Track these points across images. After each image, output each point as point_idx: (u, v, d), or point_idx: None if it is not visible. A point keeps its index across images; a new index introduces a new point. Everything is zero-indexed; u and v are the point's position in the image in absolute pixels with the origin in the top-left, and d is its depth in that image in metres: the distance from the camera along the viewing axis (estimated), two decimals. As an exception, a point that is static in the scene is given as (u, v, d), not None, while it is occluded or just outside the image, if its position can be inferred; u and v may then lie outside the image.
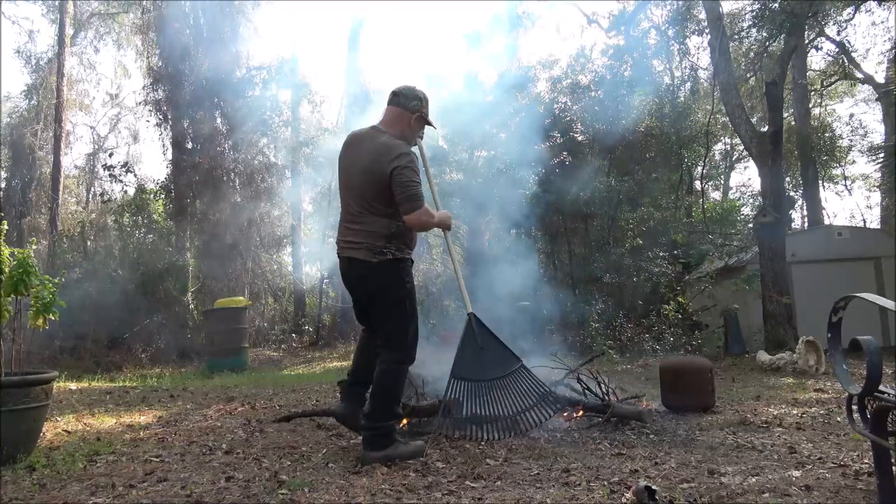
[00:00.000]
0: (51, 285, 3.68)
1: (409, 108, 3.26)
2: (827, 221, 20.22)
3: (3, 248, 3.42)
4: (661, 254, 11.64)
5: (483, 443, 3.36)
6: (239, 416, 4.70)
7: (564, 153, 12.21)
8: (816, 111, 21.65)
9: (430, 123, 3.40)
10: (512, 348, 3.53)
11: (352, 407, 3.44)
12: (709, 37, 11.46)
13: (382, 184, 3.06)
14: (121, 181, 14.33)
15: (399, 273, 3.16)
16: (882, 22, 17.46)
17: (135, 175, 14.45)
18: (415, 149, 3.36)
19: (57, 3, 18.96)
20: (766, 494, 2.48)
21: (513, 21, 14.93)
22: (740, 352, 9.49)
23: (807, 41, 15.10)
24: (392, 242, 3.11)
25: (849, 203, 52.38)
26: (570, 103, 12.50)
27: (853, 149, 22.23)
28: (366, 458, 3.04)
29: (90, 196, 22.63)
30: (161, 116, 13.61)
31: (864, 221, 24.50)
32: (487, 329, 3.38)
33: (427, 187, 3.41)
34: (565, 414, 4.10)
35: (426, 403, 3.75)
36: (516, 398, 3.33)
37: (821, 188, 21.37)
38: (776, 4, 11.08)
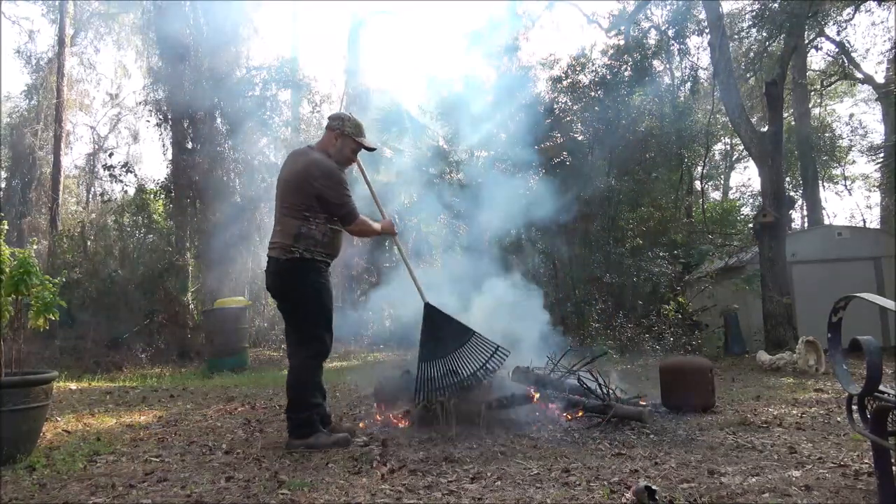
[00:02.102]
0: (51, 285, 3.68)
1: (332, 128, 3.69)
2: (827, 221, 20.23)
3: (3, 248, 3.42)
4: (661, 254, 11.63)
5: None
6: (239, 416, 4.71)
7: (564, 153, 12.20)
8: (816, 111, 21.65)
9: (357, 142, 3.71)
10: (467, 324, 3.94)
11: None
12: (709, 37, 11.45)
13: (301, 191, 3.46)
14: (121, 181, 14.31)
15: (304, 272, 3.47)
16: (882, 22, 17.49)
17: (135, 175, 14.43)
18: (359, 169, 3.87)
19: (57, 3, 18.95)
20: (766, 494, 2.48)
21: (513, 21, 14.91)
22: (740, 352, 9.48)
23: (807, 41, 15.10)
24: (300, 243, 3.45)
25: (849, 203, 52.45)
26: (570, 103, 12.48)
27: (853, 149, 22.26)
28: (289, 445, 3.40)
29: (90, 196, 22.63)
30: (161, 116, 13.58)
31: (864, 221, 24.55)
32: (442, 312, 3.84)
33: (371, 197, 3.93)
34: (567, 415, 4.11)
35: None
36: (474, 358, 3.81)
37: (821, 188, 21.39)
38: (776, 4, 11.09)
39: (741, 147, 18.24)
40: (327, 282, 3.62)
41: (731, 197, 23.79)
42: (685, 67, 16.26)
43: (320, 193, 3.43)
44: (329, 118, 3.78)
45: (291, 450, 3.35)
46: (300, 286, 3.48)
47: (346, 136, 3.66)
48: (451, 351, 3.78)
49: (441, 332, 3.81)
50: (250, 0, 15.16)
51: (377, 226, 3.79)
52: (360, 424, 4.11)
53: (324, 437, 3.44)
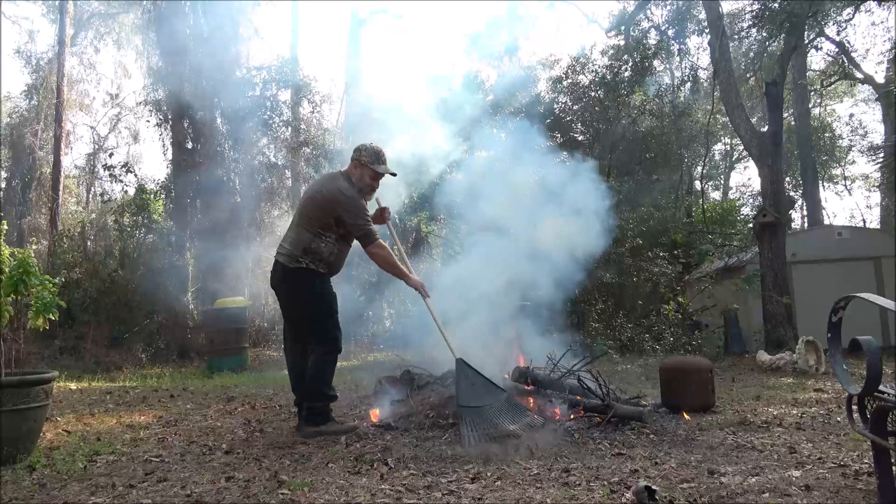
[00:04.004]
0: (51, 285, 3.68)
1: (353, 158, 4.01)
2: (827, 221, 20.24)
3: (3, 248, 3.42)
4: (661, 254, 11.63)
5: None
6: (239, 416, 4.71)
7: (564, 153, 12.18)
8: (816, 111, 21.66)
9: (373, 171, 3.94)
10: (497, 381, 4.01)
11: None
12: (709, 37, 11.45)
13: (324, 212, 3.78)
14: (121, 181, 14.27)
15: (307, 281, 3.80)
16: (882, 22, 17.50)
17: (135, 175, 14.39)
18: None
19: (57, 3, 18.95)
20: (766, 494, 2.48)
21: (513, 21, 14.93)
22: (740, 352, 9.48)
23: (807, 41, 15.09)
24: (307, 255, 3.78)
25: (849, 203, 52.48)
26: (570, 103, 12.49)
27: (853, 149, 22.28)
28: (302, 432, 3.74)
29: (90, 196, 22.62)
30: (161, 116, 13.58)
31: (864, 221, 24.56)
32: (474, 369, 3.85)
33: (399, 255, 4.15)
34: (571, 417, 4.11)
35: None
36: (506, 418, 3.74)
37: (821, 188, 21.39)
38: (776, 4, 11.08)
39: (741, 147, 18.24)
40: (330, 286, 3.94)
41: (731, 197, 23.80)
42: (685, 67, 16.28)
43: (340, 217, 3.76)
44: (354, 150, 4.04)
45: (305, 437, 3.66)
46: (308, 292, 3.81)
47: (364, 166, 3.95)
48: (486, 404, 3.74)
49: (475, 386, 3.82)
50: (250, 0, 15.17)
51: (405, 269, 3.98)
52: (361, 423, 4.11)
53: (335, 424, 3.80)
